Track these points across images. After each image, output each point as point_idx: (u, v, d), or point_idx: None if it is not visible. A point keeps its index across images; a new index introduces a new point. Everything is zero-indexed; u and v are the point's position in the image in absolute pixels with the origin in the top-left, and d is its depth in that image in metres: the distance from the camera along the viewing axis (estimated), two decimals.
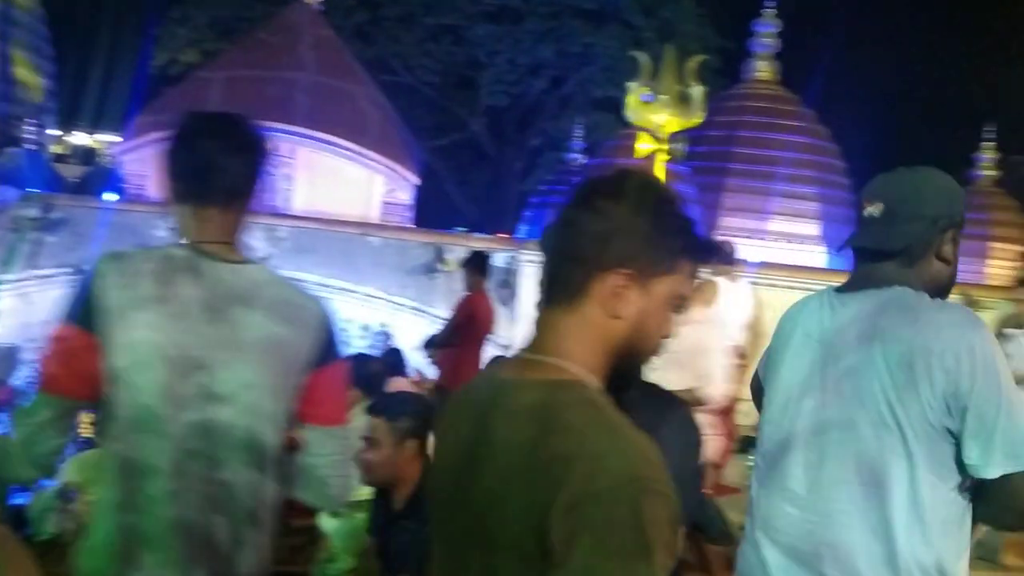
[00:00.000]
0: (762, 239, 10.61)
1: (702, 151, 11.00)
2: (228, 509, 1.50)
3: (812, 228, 10.69)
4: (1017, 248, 11.03)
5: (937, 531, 1.49)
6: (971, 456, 1.45)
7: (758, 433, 1.73)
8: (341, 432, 1.62)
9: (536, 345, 1.12)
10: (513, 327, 7.91)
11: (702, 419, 3.63)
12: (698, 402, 3.79)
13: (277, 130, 13.20)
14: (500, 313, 8.16)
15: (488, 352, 6.06)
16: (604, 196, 1.09)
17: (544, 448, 0.98)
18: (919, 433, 1.46)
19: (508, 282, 8.55)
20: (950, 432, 1.46)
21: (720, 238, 7.02)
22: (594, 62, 18.86)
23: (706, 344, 3.84)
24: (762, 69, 11.55)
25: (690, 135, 10.10)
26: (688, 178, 10.28)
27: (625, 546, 0.92)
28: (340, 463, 1.60)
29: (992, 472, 1.44)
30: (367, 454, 2.36)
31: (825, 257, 10.50)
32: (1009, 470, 1.43)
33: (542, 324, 1.13)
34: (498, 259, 8.50)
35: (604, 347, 1.11)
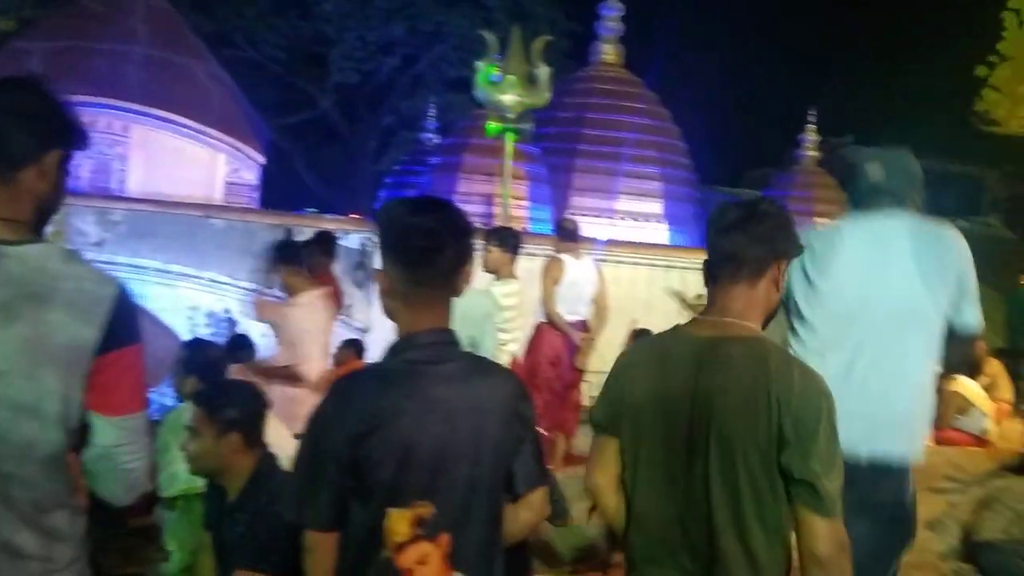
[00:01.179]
0: (609, 218, 10.96)
1: (552, 132, 11.20)
2: (36, 525, 1.41)
3: (656, 207, 11.14)
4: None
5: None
6: (969, 315, 2.32)
7: (807, 311, 2.39)
8: (129, 422, 1.49)
9: (724, 311, 1.72)
10: (370, 309, 7.80)
11: (300, 394, 3.75)
12: (297, 378, 3.90)
13: (107, 106, 12.31)
14: (355, 295, 8.02)
15: (337, 335, 5.95)
16: (768, 208, 1.76)
17: (768, 386, 1.60)
18: (945, 305, 2.30)
19: (363, 264, 8.39)
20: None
21: (567, 217, 7.21)
22: (446, 41, 18.76)
23: (308, 326, 4.01)
24: (608, 52, 11.84)
25: (540, 116, 10.25)
26: (539, 159, 10.46)
27: (831, 434, 1.61)
28: (127, 454, 1.49)
29: (976, 326, 2.35)
30: (189, 444, 2.27)
31: (668, 234, 10.99)
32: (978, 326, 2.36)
33: (729, 296, 1.73)
34: (352, 240, 8.34)
35: (765, 313, 1.77)
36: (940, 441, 6.74)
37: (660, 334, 1.86)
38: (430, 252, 1.55)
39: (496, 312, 4.22)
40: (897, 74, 21.53)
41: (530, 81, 7.71)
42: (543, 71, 7.74)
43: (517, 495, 1.62)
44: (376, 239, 1.60)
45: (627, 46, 11.92)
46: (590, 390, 7.39)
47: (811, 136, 12.17)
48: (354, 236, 8.55)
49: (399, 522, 1.40)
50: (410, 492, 1.46)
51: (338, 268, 6.22)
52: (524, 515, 1.63)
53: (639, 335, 6.89)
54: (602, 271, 5.84)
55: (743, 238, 1.70)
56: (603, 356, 5.53)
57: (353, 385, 1.54)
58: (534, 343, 5.56)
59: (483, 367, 1.67)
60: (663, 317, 7.74)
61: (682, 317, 5.84)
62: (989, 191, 28.48)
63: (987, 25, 10.78)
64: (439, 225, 1.58)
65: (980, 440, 6.95)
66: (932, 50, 19.10)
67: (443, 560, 1.42)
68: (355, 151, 20.31)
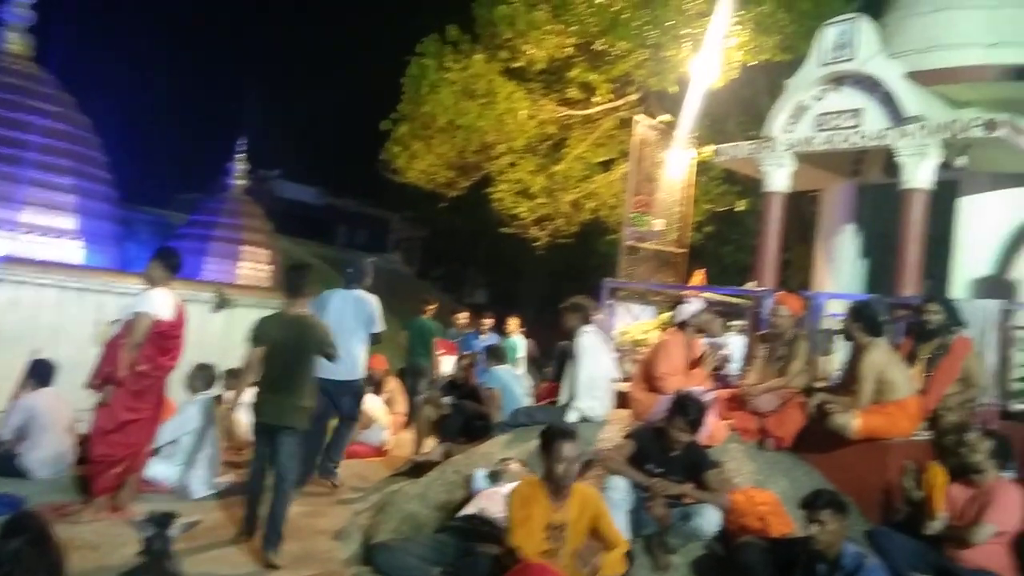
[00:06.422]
0: (12, 231, 9.52)
1: None
2: None
3: (69, 222, 10.04)
4: (263, 251, 12.42)
5: None
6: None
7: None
8: None
9: (295, 306, 5.00)
10: None
11: None
12: None
13: None
14: None
15: None
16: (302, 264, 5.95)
17: (312, 331, 4.98)
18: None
19: None
20: None
21: None
22: None
23: None
24: (15, 42, 10.34)
25: None
26: None
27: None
28: None
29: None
30: None
31: (83, 253, 10.00)
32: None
33: (298, 302, 5.00)
34: None
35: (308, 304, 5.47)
36: (348, 455, 7.47)
37: (274, 315, 4.99)
38: None
39: None
40: (326, 116, 23.46)
41: None
42: None
43: None
44: None
45: (41, 40, 10.57)
46: None
47: (240, 165, 12.45)
48: None
49: None
50: None
51: None
52: None
53: (37, 368, 6.11)
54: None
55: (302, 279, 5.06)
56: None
57: None
58: None
59: None
60: (75, 346, 7.00)
61: (95, 344, 5.33)
62: (393, 231, 32.91)
63: (395, 85, 12.56)
64: None
65: (380, 451, 7.91)
66: (354, 100, 21.31)
67: None
68: None
